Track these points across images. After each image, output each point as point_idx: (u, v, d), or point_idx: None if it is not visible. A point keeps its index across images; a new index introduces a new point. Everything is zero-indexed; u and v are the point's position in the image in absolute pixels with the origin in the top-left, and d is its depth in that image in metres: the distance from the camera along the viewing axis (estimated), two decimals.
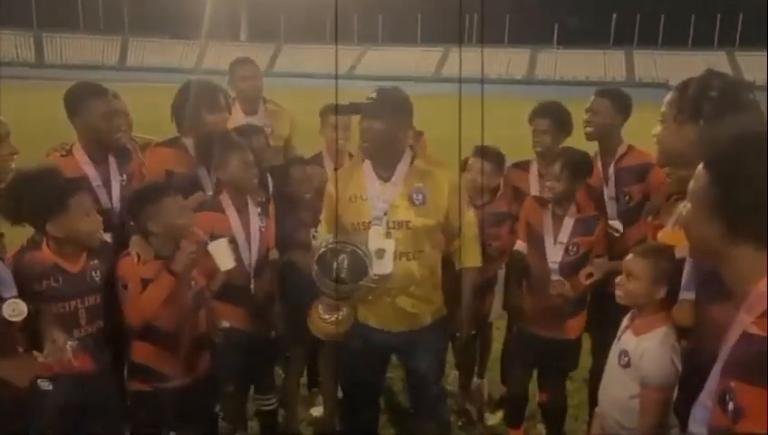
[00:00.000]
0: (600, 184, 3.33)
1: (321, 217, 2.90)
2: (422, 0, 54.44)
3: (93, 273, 2.50)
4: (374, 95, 2.62)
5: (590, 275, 3.02)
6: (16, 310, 2.08)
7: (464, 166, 3.54)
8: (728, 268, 1.30)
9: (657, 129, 1.99)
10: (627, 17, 55.28)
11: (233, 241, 2.85)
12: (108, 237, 2.73)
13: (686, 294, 1.99)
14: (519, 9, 53.88)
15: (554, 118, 3.44)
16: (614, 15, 55.96)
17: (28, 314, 2.11)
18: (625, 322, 2.35)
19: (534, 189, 3.48)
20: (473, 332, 3.02)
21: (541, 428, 3.61)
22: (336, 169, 3.71)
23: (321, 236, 2.81)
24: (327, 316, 2.66)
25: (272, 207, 3.15)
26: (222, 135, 3.05)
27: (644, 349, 2.18)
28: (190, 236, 2.61)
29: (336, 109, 3.61)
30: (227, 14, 56.47)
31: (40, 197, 2.32)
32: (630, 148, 3.32)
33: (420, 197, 2.66)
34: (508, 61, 54.00)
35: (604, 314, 2.82)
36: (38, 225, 2.39)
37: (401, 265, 2.63)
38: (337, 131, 3.60)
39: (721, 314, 1.66)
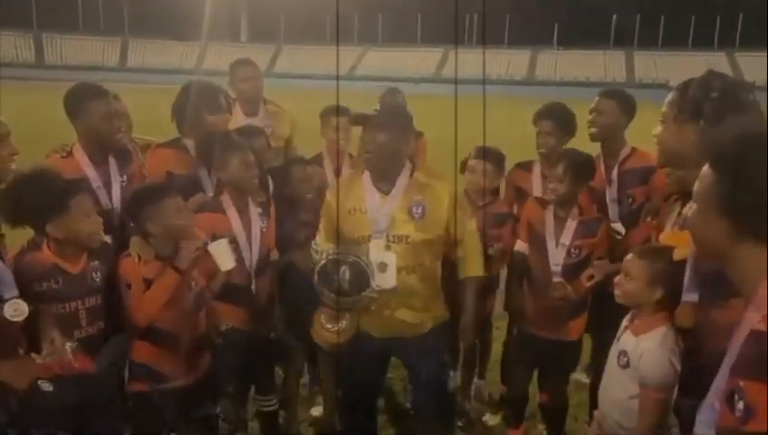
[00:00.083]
0: (602, 186, 3.31)
1: (321, 228, 2.89)
2: (422, 0, 54.50)
3: (94, 274, 2.49)
4: (379, 107, 2.63)
5: (592, 276, 3.01)
6: (18, 310, 2.08)
7: (463, 167, 3.54)
8: (734, 268, 1.30)
9: (658, 129, 1.99)
10: (627, 18, 55.33)
11: (233, 242, 2.85)
12: (108, 239, 2.73)
13: (689, 296, 1.99)
14: (519, 9, 53.91)
15: (558, 119, 3.43)
16: (614, 16, 56.01)
17: (29, 314, 2.11)
18: (624, 322, 2.35)
19: (537, 190, 3.47)
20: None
21: (541, 428, 3.61)
22: (336, 170, 3.71)
23: (321, 247, 2.79)
24: (330, 326, 2.65)
25: (272, 208, 3.15)
26: (223, 136, 3.04)
27: (643, 349, 2.18)
28: (190, 236, 2.61)
29: (337, 110, 3.61)
30: (227, 14, 56.53)
31: (40, 198, 2.31)
32: (634, 150, 3.30)
33: (420, 210, 2.65)
34: (508, 61, 54.05)
35: (604, 315, 2.81)
36: (38, 226, 2.38)
37: (401, 278, 2.62)
38: (338, 133, 3.60)
39: (720, 316, 1.66)
